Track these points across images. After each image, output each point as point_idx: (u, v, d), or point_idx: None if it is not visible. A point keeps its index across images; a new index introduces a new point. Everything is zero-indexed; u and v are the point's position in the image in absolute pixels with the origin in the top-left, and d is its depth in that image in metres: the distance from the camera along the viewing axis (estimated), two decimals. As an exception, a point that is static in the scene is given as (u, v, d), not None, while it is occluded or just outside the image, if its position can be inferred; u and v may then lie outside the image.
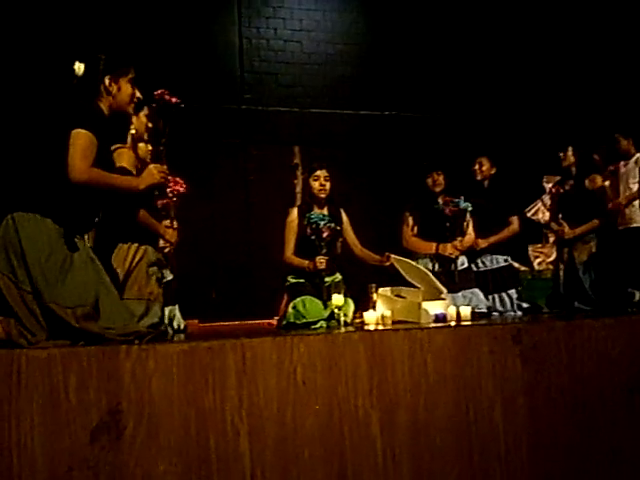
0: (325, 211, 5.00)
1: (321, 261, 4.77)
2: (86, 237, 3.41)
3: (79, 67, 3.27)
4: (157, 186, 3.49)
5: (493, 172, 5.67)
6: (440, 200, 5.33)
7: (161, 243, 4.45)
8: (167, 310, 4.57)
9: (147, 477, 2.62)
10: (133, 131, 4.07)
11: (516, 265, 6.31)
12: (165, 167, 3.46)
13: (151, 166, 3.41)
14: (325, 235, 4.80)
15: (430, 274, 4.81)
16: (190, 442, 2.67)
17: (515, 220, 5.71)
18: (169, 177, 4.44)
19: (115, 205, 3.62)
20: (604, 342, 3.26)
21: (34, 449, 2.53)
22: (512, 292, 5.49)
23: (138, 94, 3.37)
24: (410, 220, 5.45)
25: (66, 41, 6.26)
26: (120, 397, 2.62)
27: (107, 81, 3.23)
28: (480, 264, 5.54)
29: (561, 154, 5.59)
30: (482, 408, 2.99)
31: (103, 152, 3.12)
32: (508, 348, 3.05)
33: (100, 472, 2.58)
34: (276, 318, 5.24)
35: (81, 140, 3.00)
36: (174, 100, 3.61)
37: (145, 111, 4.29)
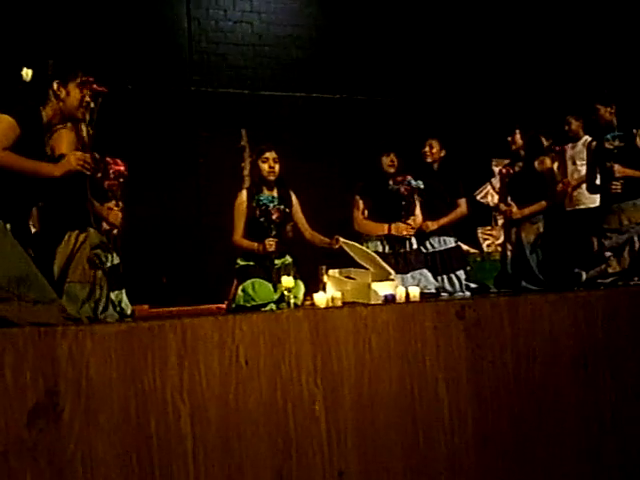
0: (275, 193, 4.96)
1: (270, 243, 4.74)
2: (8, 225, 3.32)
3: (27, 73, 3.23)
4: (75, 173, 3.39)
5: (443, 155, 5.71)
6: (391, 182, 5.35)
7: (105, 226, 4.38)
8: (113, 295, 4.48)
9: (86, 459, 2.57)
10: None
11: (465, 247, 6.37)
12: (87, 155, 3.40)
13: (70, 153, 3.37)
14: (274, 217, 4.77)
15: (377, 257, 4.83)
16: (130, 423, 2.63)
17: (463, 202, 5.76)
18: (108, 159, 4.40)
19: (57, 193, 3.57)
20: (548, 318, 3.30)
21: (-32, 432, 2.47)
22: (460, 273, 5.55)
23: (88, 98, 3.36)
24: (360, 203, 5.47)
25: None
26: (57, 378, 2.57)
27: (55, 85, 3.22)
28: (429, 246, 5.58)
29: (509, 138, 5.62)
30: (426, 384, 3.01)
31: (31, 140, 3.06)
32: (452, 324, 3.06)
33: (38, 454, 2.53)
34: (227, 302, 5.19)
35: (1, 124, 2.98)
36: (100, 88, 3.54)
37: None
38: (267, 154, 4.95)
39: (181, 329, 2.69)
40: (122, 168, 4.26)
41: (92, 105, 4.21)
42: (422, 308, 3.06)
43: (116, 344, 2.62)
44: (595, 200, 5.73)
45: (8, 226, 3.09)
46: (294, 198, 5.06)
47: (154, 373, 2.66)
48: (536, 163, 5.53)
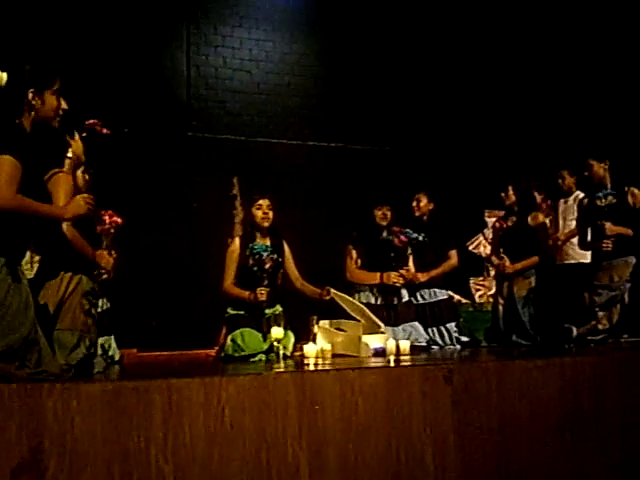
0: (268, 241, 4.98)
1: (262, 292, 4.74)
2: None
3: (1, 76, 3.10)
4: (83, 216, 3.36)
5: (431, 207, 5.74)
6: (384, 232, 5.39)
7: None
8: (102, 340, 4.47)
9: (68, 520, 2.54)
10: (70, 154, 4.00)
11: (457, 298, 6.38)
12: (92, 197, 3.30)
13: (78, 196, 3.29)
14: (267, 266, 4.78)
15: (367, 310, 4.84)
16: (114, 484, 2.61)
17: (454, 254, 5.79)
18: (104, 211, 4.42)
19: (50, 233, 3.56)
20: (535, 383, 3.29)
21: (-50, 490, 2.45)
22: (451, 326, 5.55)
23: (64, 105, 3.20)
24: (354, 253, 5.49)
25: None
26: (42, 436, 2.54)
27: (30, 95, 3.04)
28: (420, 298, 5.59)
29: (502, 194, 5.66)
30: (413, 449, 2.98)
31: (28, 173, 3.01)
32: (439, 389, 3.05)
33: (20, 513, 2.50)
34: (216, 348, 5.17)
35: (5, 167, 2.88)
36: (105, 131, 3.53)
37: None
38: (260, 201, 4.98)
39: (167, 390, 2.68)
40: (116, 219, 4.27)
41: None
42: (409, 372, 3.05)
43: (102, 403, 2.60)
44: (586, 255, 5.77)
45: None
46: (286, 247, 5.08)
47: (139, 433, 2.64)
48: (529, 218, 5.57)
